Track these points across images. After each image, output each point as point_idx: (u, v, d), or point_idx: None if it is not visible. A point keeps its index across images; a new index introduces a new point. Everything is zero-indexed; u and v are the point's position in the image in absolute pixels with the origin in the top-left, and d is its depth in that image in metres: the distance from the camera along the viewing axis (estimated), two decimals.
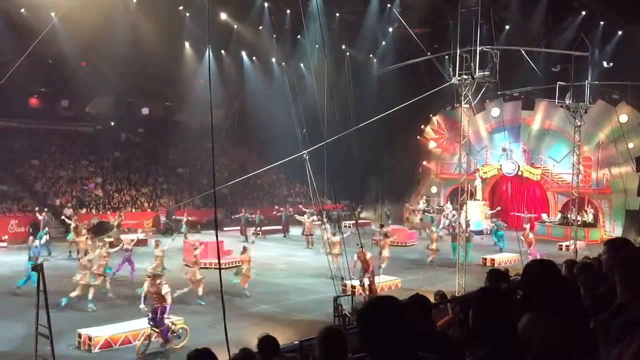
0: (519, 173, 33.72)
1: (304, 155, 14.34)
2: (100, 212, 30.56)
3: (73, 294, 15.23)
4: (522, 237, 22.95)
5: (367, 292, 16.29)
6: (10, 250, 24.48)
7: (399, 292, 16.50)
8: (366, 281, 17.03)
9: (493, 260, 22.70)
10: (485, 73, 17.61)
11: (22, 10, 31.17)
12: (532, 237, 23.53)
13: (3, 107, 34.08)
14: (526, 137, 34.99)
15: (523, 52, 30.48)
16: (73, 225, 23.56)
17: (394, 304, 2.44)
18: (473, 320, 2.70)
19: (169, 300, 12.62)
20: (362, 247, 16.75)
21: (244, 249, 18.34)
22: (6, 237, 26.27)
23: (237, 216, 30.68)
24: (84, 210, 30.23)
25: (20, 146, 33.47)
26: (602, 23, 32.60)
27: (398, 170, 36.15)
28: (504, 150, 34.17)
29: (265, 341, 5.56)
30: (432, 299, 8.22)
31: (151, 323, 12.42)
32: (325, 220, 24.52)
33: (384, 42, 38.05)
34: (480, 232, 30.23)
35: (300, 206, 31.13)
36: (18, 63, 12.59)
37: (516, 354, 2.56)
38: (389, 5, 32.93)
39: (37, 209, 26.48)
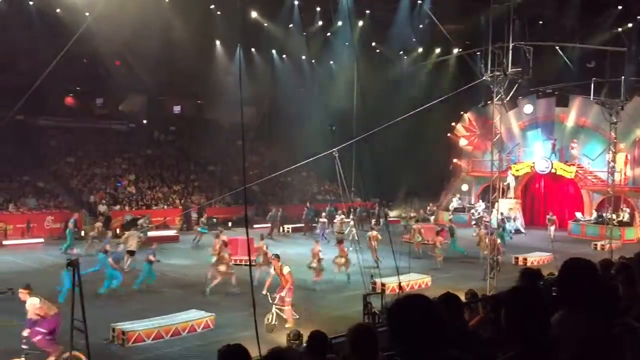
0: (553, 171, 33.13)
1: (334, 153, 14.33)
2: (133, 209, 31.06)
3: (215, 283, 16.91)
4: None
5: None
6: (46, 246, 25.04)
7: (430, 291, 16.39)
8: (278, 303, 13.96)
9: (525, 259, 22.38)
10: (518, 69, 17.37)
11: (58, 10, 31.82)
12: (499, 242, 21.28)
13: (40, 105, 34.85)
14: (560, 134, 34.39)
15: (557, 48, 30.01)
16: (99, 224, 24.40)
17: (424, 302, 2.42)
18: (505, 320, 2.67)
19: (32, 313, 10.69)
20: (277, 257, 15.12)
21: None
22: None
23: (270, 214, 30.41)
24: (117, 207, 30.79)
25: (56, 144, 34.22)
26: (638, 18, 31.86)
27: (428, 168, 35.90)
28: (553, 147, 33.42)
29: (316, 336, 5.24)
30: (463, 298, 8.14)
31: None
32: (353, 217, 24.49)
33: (414, 39, 37.79)
34: (518, 231, 29.96)
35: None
36: (54, 62, 12.84)
37: (548, 354, 2.53)
38: (419, 1, 32.72)
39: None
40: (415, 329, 2.33)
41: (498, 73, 16.82)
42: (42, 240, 25.82)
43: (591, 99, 24.52)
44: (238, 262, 20.89)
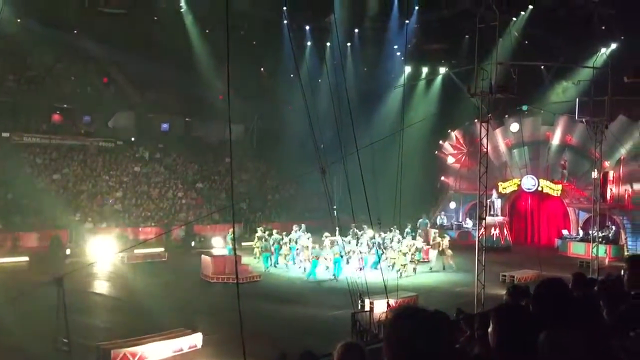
0: (539, 189, 33.35)
1: (322, 171, 14.30)
2: (120, 227, 30.81)
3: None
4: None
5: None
6: (31, 264, 24.65)
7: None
8: None
9: (512, 276, 22.44)
10: (504, 88, 17.58)
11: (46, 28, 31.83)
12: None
13: (26, 122, 34.72)
14: (546, 152, 34.67)
15: (542, 67, 30.41)
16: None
17: (427, 316, 2.37)
18: (493, 337, 2.68)
19: None
20: None
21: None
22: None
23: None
24: (104, 225, 30.54)
25: (42, 161, 33.97)
26: (622, 37, 32.42)
27: (416, 185, 35.95)
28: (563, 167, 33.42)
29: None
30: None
31: None
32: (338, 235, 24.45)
33: (402, 58, 38.20)
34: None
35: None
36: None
37: None
38: (406, 21, 33.11)
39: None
40: (413, 343, 2.28)
41: (484, 92, 16.97)
42: (27, 258, 25.42)
43: (576, 118, 24.80)
44: (225, 280, 20.87)
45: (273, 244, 24.76)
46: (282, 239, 24.97)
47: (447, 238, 25.16)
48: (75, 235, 28.44)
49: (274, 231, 25.83)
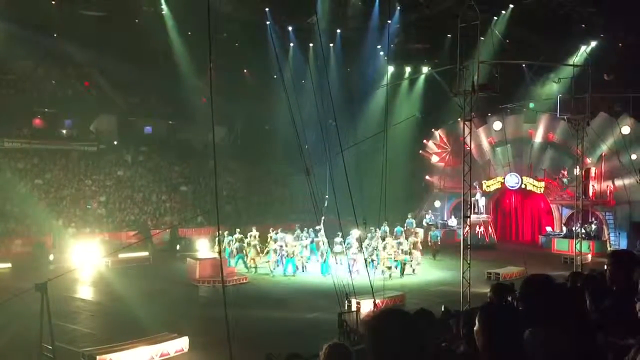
0: (523, 186, 33.61)
1: (307, 172, 14.27)
2: (103, 232, 30.55)
3: None
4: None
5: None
6: (14, 271, 24.33)
7: (404, 308, 16.38)
8: None
9: (497, 274, 22.58)
10: (486, 86, 17.68)
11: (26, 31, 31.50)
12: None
13: (7, 127, 34.28)
14: (528, 150, 34.96)
15: (524, 65, 30.66)
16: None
17: (404, 316, 2.39)
18: (478, 336, 2.68)
19: None
20: None
21: None
22: None
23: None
24: (87, 230, 30.27)
25: (24, 166, 33.59)
26: (602, 35, 32.77)
27: (401, 185, 36.05)
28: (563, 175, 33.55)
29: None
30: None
31: None
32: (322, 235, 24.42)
33: (385, 57, 38.32)
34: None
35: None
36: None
37: None
38: (388, 21, 33.19)
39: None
40: (394, 344, 2.30)
41: (467, 91, 17.05)
42: (9, 265, 25.08)
43: (558, 116, 25.00)
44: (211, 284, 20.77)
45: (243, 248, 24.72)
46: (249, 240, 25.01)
47: (420, 233, 25.48)
48: (58, 241, 28.17)
49: (255, 232, 25.74)
